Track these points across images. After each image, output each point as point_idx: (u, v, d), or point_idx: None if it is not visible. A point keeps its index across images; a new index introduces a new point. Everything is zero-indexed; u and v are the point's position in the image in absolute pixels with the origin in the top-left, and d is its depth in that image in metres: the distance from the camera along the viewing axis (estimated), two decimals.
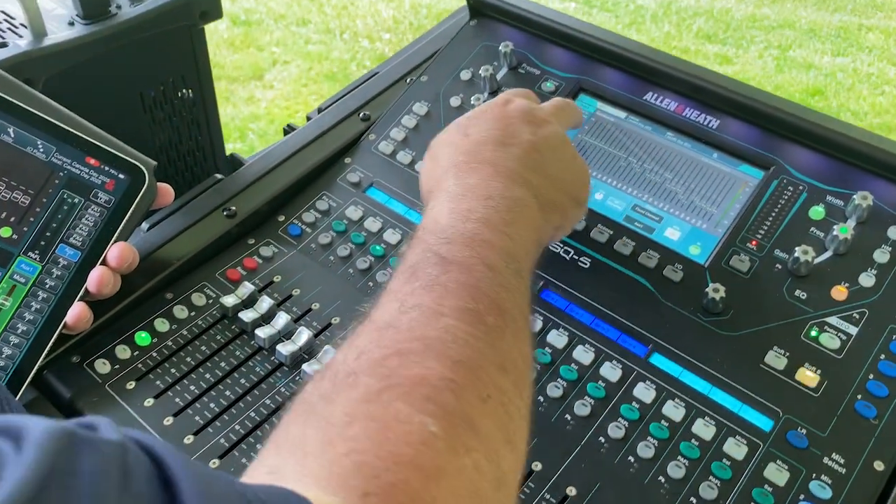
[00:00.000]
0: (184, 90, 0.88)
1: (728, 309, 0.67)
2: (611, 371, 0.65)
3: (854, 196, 0.67)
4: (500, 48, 0.84)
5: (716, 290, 0.65)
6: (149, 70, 0.84)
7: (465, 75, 0.86)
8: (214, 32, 3.44)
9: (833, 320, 0.64)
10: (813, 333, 0.64)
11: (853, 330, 0.64)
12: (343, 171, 0.82)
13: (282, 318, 0.68)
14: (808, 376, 0.62)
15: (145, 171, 0.68)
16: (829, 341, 0.63)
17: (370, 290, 0.73)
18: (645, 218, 0.74)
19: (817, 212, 0.70)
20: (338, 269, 0.74)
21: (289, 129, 0.88)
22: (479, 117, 0.61)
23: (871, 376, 0.61)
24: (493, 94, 0.84)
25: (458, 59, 0.88)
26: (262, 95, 3.11)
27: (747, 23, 3.86)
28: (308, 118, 0.89)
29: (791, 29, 3.82)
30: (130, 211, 0.67)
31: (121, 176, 0.67)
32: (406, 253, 0.50)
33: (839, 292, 0.66)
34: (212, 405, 0.64)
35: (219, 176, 0.81)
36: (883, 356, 0.62)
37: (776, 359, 0.63)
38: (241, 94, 3.13)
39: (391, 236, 0.76)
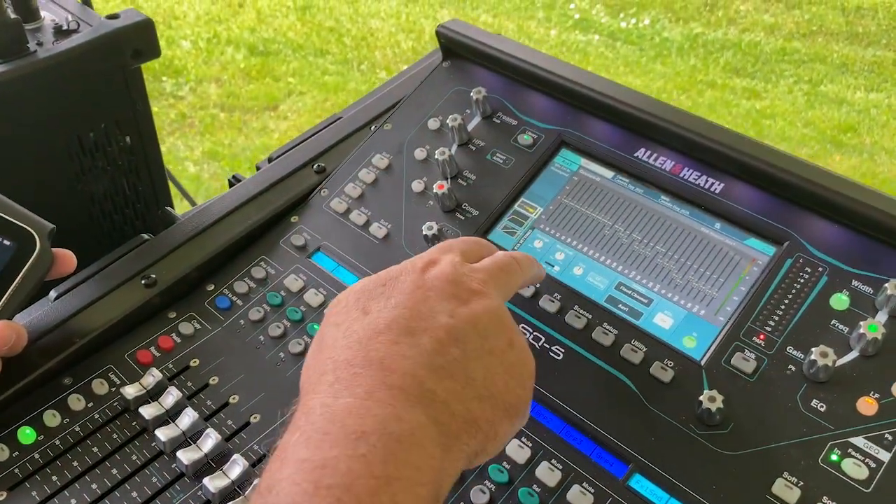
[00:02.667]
0: (119, 136, 0.78)
1: (728, 421, 0.54)
2: (580, 498, 0.52)
3: (887, 284, 0.55)
4: (472, 94, 0.73)
5: (711, 400, 0.53)
6: (77, 114, 0.74)
7: (434, 124, 0.75)
8: (231, 62, 3.41)
9: (859, 441, 0.52)
10: (834, 458, 0.51)
11: (885, 455, 0.51)
12: (288, 233, 0.72)
13: (188, 417, 0.57)
14: None
15: (36, 237, 0.58)
16: (855, 469, 0.50)
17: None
18: (631, 299, 0.61)
19: (840, 300, 0.57)
20: (267, 353, 0.63)
21: (234, 181, 0.78)
22: (387, 286, 0.46)
23: None
24: (464, 145, 0.73)
25: (426, 106, 0.77)
26: (276, 126, 3.05)
27: (776, 56, 3.74)
28: (258, 168, 0.78)
29: (822, 63, 3.70)
30: (15, 283, 0.57)
31: (4, 242, 0.57)
32: None
33: (867, 405, 0.53)
34: None
35: (145, 236, 0.71)
36: None
37: (786, 489, 0.51)
38: (254, 124, 3.07)
39: None
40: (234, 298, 0.67)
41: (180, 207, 1.00)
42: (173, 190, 0.95)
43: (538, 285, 0.63)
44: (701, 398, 0.53)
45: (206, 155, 2.86)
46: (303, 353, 0.63)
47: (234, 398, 0.60)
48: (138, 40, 0.72)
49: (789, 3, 4.15)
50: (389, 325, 0.42)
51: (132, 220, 0.83)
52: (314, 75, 3.37)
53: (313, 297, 0.66)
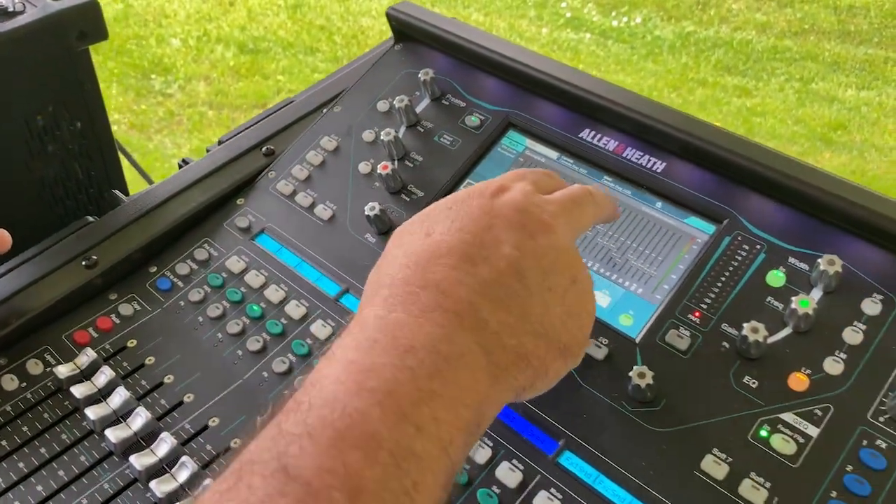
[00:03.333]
0: (69, 120, 0.77)
1: (660, 398, 0.54)
2: (509, 474, 0.52)
3: (819, 260, 0.54)
4: (420, 76, 0.72)
5: (641, 376, 0.52)
6: (24, 97, 0.74)
7: (383, 106, 0.75)
8: (220, 60, 3.41)
9: (789, 417, 0.51)
10: (763, 433, 0.51)
11: (813, 431, 0.50)
12: (233, 215, 0.71)
13: (119, 396, 0.57)
14: (753, 491, 0.49)
15: None
16: (783, 445, 0.50)
17: (238, 361, 0.61)
18: None
19: (777, 277, 0.56)
20: (204, 333, 0.63)
21: (183, 164, 0.77)
22: (454, 208, 0.44)
23: (833, 494, 0.48)
24: (412, 127, 0.72)
25: (376, 88, 0.76)
26: None
27: (768, 54, 3.74)
28: (208, 151, 0.78)
29: (814, 61, 3.69)
30: None
31: None
32: (260, 428, 0.35)
33: (798, 381, 0.52)
34: (18, 503, 0.52)
35: (90, 218, 0.70)
36: (850, 467, 0.48)
37: (715, 465, 0.50)
38: (242, 121, 3.07)
39: (273, 293, 0.64)
40: (176, 280, 0.67)
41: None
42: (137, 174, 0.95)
43: None
44: (631, 374, 0.53)
45: (193, 153, 2.86)
46: (241, 334, 0.62)
47: (168, 378, 0.60)
48: (84, 22, 0.72)
49: (781, 1, 4.15)
50: (451, 249, 0.41)
51: (85, 204, 0.83)
52: (304, 73, 3.36)
53: (254, 279, 0.65)
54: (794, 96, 3.46)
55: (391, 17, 0.77)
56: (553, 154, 0.68)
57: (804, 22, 3.99)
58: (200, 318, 0.64)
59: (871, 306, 0.53)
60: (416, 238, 0.43)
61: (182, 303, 0.65)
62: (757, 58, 3.73)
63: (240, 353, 0.61)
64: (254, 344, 0.61)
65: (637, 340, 0.56)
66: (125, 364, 0.61)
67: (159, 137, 2.98)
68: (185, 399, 0.59)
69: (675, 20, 4.01)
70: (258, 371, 0.60)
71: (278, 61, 3.45)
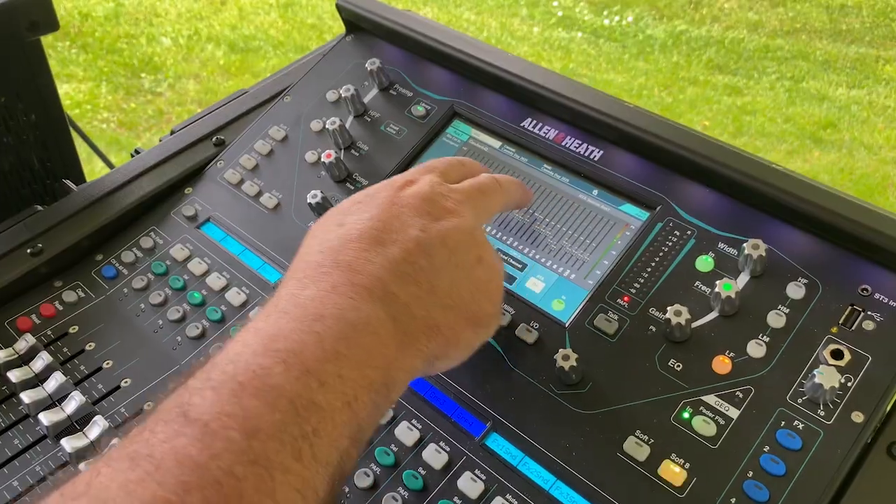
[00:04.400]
0: (22, 111, 0.78)
1: (587, 380, 0.54)
2: (435, 456, 0.52)
3: (745, 244, 0.55)
4: (367, 66, 0.73)
5: (565, 358, 0.53)
6: None
7: (332, 96, 0.75)
8: (210, 59, 3.42)
9: (711, 399, 0.52)
10: (685, 415, 0.51)
11: (734, 413, 0.51)
12: (180, 203, 0.72)
13: (55, 380, 0.57)
14: (673, 472, 0.49)
15: None
16: (704, 426, 0.51)
17: (177, 347, 0.61)
18: (506, 265, 0.62)
19: (706, 262, 0.57)
20: (146, 320, 0.63)
21: (135, 154, 0.78)
22: (363, 202, 0.47)
23: (749, 474, 0.48)
24: (360, 117, 0.73)
25: (326, 79, 0.77)
26: None
27: (759, 53, 3.75)
28: (161, 141, 0.78)
29: (805, 60, 3.70)
30: None
31: None
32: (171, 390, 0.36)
33: (722, 364, 0.53)
34: None
35: (39, 207, 0.71)
36: (767, 448, 0.49)
37: (637, 447, 0.51)
38: None
39: (215, 281, 0.65)
40: (121, 268, 0.67)
41: None
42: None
43: None
44: (556, 357, 0.53)
45: None
46: (181, 321, 0.63)
47: (107, 363, 0.60)
48: (34, 12, 0.72)
49: (773, 0, 4.15)
50: (361, 235, 0.44)
51: (41, 194, 0.83)
52: None
53: (197, 266, 0.66)
54: (785, 95, 3.46)
55: (341, 9, 0.78)
56: (496, 143, 0.68)
57: (796, 21, 3.99)
58: (143, 305, 0.64)
59: (796, 290, 0.54)
60: (329, 229, 0.45)
61: (126, 290, 0.66)
62: (748, 57, 3.73)
63: (179, 339, 0.62)
64: (193, 330, 0.62)
65: (567, 325, 0.57)
66: (65, 350, 0.61)
67: (148, 136, 2.99)
68: (123, 384, 0.59)
69: (667, 19, 4.02)
70: (196, 356, 0.60)
71: (268, 60, 3.46)
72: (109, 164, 1.04)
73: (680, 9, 4.10)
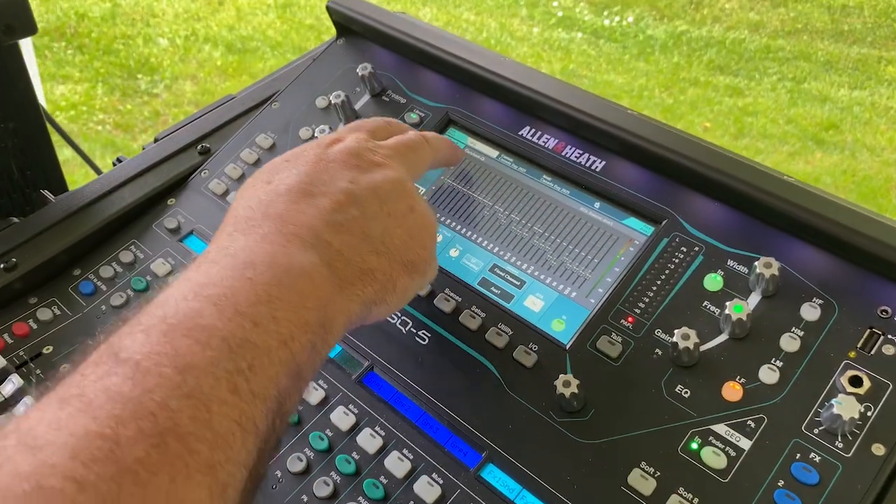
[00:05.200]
0: (1, 119, 0.75)
1: (588, 407, 0.51)
2: (427, 489, 0.49)
3: (756, 263, 0.51)
4: (358, 71, 0.69)
5: (566, 385, 0.50)
6: None
7: (322, 102, 0.72)
8: (207, 60, 3.39)
9: (721, 429, 0.48)
10: (693, 446, 0.48)
11: (746, 443, 0.47)
12: (163, 215, 0.69)
13: (24, 406, 0.54)
14: None
15: None
16: (714, 458, 0.47)
17: None
18: (504, 282, 0.58)
19: (715, 281, 0.54)
20: None
21: (117, 162, 0.75)
22: (291, 160, 0.47)
23: None
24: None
25: (316, 84, 0.74)
26: None
27: (761, 54, 3.72)
28: (144, 149, 0.75)
29: (807, 61, 3.67)
30: None
31: None
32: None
33: (732, 390, 0.50)
34: None
35: (14, 219, 0.68)
36: (781, 482, 0.46)
37: (642, 480, 0.47)
38: None
39: None
40: (99, 283, 0.64)
41: None
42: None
43: None
44: (556, 383, 0.50)
45: None
46: None
47: None
48: (9, 15, 0.69)
49: (775, 1, 4.13)
50: (290, 189, 0.44)
51: (21, 205, 0.80)
52: None
53: None
54: (787, 96, 3.44)
55: (332, 11, 0.74)
56: (493, 153, 0.65)
57: (797, 21, 3.97)
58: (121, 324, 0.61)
59: (810, 311, 0.51)
60: (257, 187, 0.45)
61: (104, 307, 0.63)
62: (749, 57, 3.71)
63: None
64: None
65: (567, 347, 0.54)
66: (38, 372, 0.58)
67: (144, 137, 2.96)
68: None
69: (668, 19, 3.99)
70: None
71: (266, 61, 3.44)
72: (97, 170, 1.01)
73: (680, 9, 4.07)
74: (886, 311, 0.50)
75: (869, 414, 0.47)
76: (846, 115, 3.32)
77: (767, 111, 3.34)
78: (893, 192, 2.91)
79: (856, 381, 0.48)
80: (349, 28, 0.75)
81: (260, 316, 0.36)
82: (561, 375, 0.50)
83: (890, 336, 0.49)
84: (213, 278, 0.37)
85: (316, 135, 0.66)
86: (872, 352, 0.49)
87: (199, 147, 0.73)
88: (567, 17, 3.99)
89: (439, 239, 0.62)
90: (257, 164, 0.70)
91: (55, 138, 0.81)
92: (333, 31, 0.77)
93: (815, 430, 0.47)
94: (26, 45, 1.82)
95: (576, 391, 0.50)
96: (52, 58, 3.12)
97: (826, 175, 2.93)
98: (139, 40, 3.48)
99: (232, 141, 0.72)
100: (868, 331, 0.49)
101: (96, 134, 2.81)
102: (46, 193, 0.71)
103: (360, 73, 0.69)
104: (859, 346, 0.49)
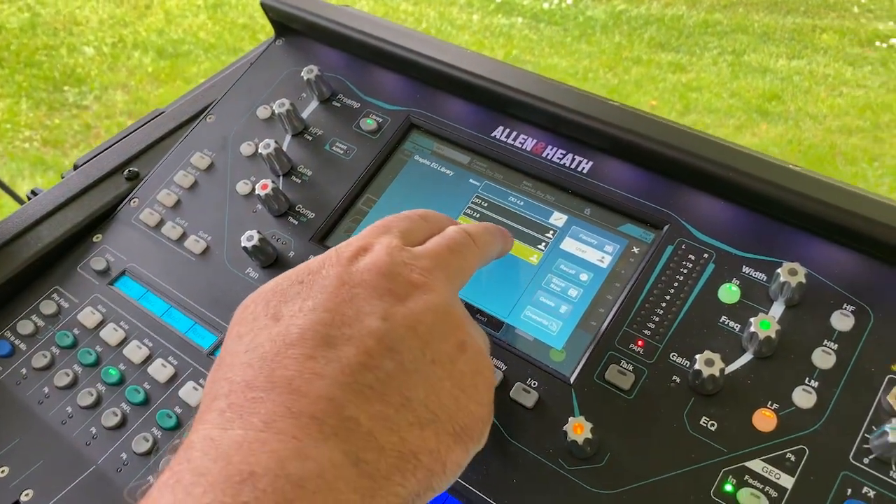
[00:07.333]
0: None
1: (603, 451, 0.44)
2: None
3: (779, 270, 0.45)
4: (303, 74, 0.61)
5: (578, 430, 0.43)
6: None
7: (263, 112, 0.63)
8: (138, 67, 3.25)
9: (757, 465, 0.42)
10: (728, 488, 0.42)
11: (787, 481, 0.41)
12: (88, 255, 0.59)
13: None
14: None
15: None
16: (753, 501, 0.41)
17: (91, 441, 0.49)
18: (489, 305, 0.51)
19: (730, 292, 0.47)
20: (51, 408, 0.51)
21: (32, 195, 0.65)
22: (306, 282, 0.36)
23: None
24: (298, 135, 0.61)
25: (256, 92, 0.65)
26: None
27: (700, 29, 3.74)
28: (63, 178, 0.66)
29: (744, 33, 3.70)
30: None
31: None
32: None
33: (764, 419, 0.43)
34: None
35: None
36: None
37: None
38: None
39: (135, 351, 0.53)
40: (17, 342, 0.55)
41: None
42: None
43: None
44: (565, 428, 0.43)
45: None
46: (95, 406, 0.51)
47: (2, 471, 0.48)
48: None
49: None
50: (303, 335, 0.33)
51: None
52: None
53: (112, 334, 0.54)
54: (728, 69, 3.46)
55: (267, 9, 0.66)
56: (464, 158, 0.57)
57: None
58: (46, 389, 0.52)
59: (842, 320, 0.45)
60: (260, 325, 0.34)
61: (24, 370, 0.53)
62: (689, 33, 3.72)
63: (93, 430, 0.50)
64: (111, 418, 0.50)
65: (572, 380, 0.47)
66: None
67: (76, 153, 2.81)
68: (23, 498, 0.47)
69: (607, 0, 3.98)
70: (116, 452, 0.49)
71: (200, 64, 3.31)
72: (17, 199, 0.90)
73: None
74: None
75: None
76: (787, 85, 3.35)
77: (711, 86, 3.35)
78: (839, 159, 2.93)
79: None
80: (289, 26, 0.67)
81: None
82: (571, 419, 0.43)
83: None
84: (199, 500, 0.27)
85: (260, 151, 0.58)
86: None
87: (125, 172, 0.64)
88: (506, 2, 3.95)
89: None
90: (193, 187, 0.61)
91: None
92: (269, 30, 0.68)
93: (865, 460, 0.41)
94: None
95: (590, 436, 0.43)
96: None
97: (773, 146, 2.94)
98: (63, 50, 3.31)
99: (163, 163, 0.63)
100: None
101: (23, 152, 2.66)
102: None
103: (305, 77, 0.61)
104: None
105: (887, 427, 0.40)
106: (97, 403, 0.51)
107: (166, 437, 0.49)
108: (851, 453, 0.41)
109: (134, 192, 0.62)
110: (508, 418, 0.46)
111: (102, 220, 0.61)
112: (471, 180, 0.56)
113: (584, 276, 0.50)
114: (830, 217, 0.46)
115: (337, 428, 0.30)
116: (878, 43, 3.43)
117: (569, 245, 0.52)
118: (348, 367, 0.32)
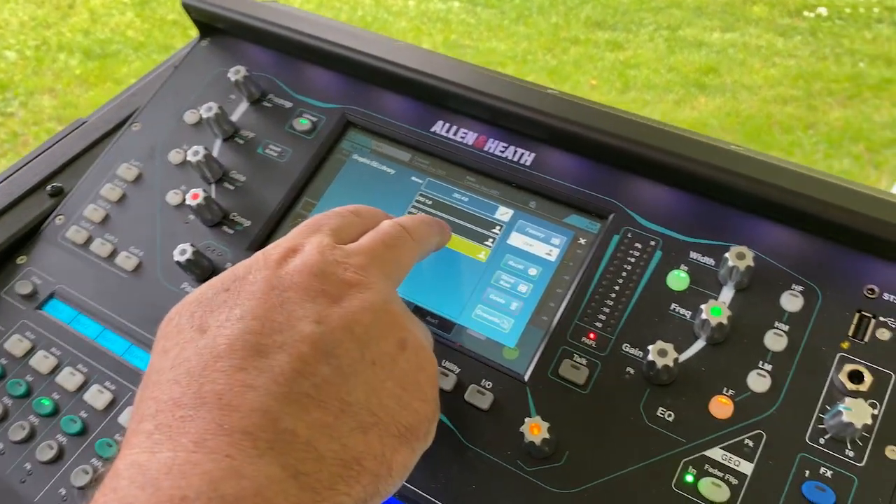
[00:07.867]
0: None
1: (562, 450, 0.43)
2: None
3: (727, 254, 0.45)
4: (231, 75, 0.58)
5: (534, 430, 0.42)
6: None
7: (191, 117, 0.61)
8: (65, 70, 3.14)
9: (716, 454, 0.42)
10: (689, 479, 0.41)
11: (747, 467, 0.41)
12: (13, 279, 0.56)
13: None
14: None
15: None
16: (714, 490, 0.41)
17: (26, 479, 0.47)
18: (437, 307, 0.50)
19: (679, 278, 0.47)
20: None
21: None
22: (232, 290, 0.34)
23: None
24: (229, 140, 0.59)
25: (182, 96, 0.62)
26: None
27: (635, 6, 3.77)
28: None
29: (678, 8, 3.76)
30: None
31: None
32: None
33: (721, 406, 0.43)
34: None
35: None
36: None
37: None
38: None
39: (68, 379, 0.50)
40: None
41: None
42: None
43: None
44: (522, 430, 0.42)
45: None
46: (29, 439, 0.48)
47: None
48: None
49: None
50: (232, 346, 0.31)
51: None
52: None
53: (43, 362, 0.51)
54: (664, 45, 3.50)
55: (190, 9, 0.63)
56: (405, 155, 0.56)
57: None
58: None
59: (792, 301, 0.45)
60: (185, 338, 0.32)
61: None
62: (625, 10, 3.75)
63: (28, 466, 0.47)
64: (46, 451, 0.47)
65: (526, 378, 0.46)
66: None
67: (4, 162, 2.71)
68: None
69: None
70: (54, 488, 0.46)
71: (130, 64, 3.21)
72: None
73: None
74: (873, 290, 0.44)
75: (875, 412, 0.41)
76: (722, 58, 3.41)
77: (649, 62, 3.38)
78: (775, 128, 3.00)
79: (856, 377, 0.42)
80: (213, 26, 0.64)
81: None
82: (527, 419, 0.42)
83: (881, 318, 0.43)
84: None
85: (189, 158, 0.55)
86: (866, 339, 0.43)
87: (48, 188, 0.60)
88: None
89: None
90: (122, 200, 0.58)
91: None
92: None
93: (821, 440, 0.41)
94: None
95: (547, 436, 0.42)
96: None
97: (712, 118, 2.99)
98: None
99: (88, 176, 0.60)
100: (857, 315, 0.44)
101: None
102: None
103: (232, 79, 0.58)
104: (851, 334, 0.43)
105: (841, 406, 0.40)
106: (31, 437, 0.48)
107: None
108: (807, 434, 0.41)
109: (58, 208, 0.59)
110: (464, 422, 0.45)
111: (26, 240, 0.58)
112: (413, 178, 0.54)
113: (532, 271, 0.49)
114: (774, 197, 0.45)
115: (273, 441, 0.29)
116: (806, 13, 3.51)
117: (516, 240, 0.51)
118: (282, 376, 0.30)
